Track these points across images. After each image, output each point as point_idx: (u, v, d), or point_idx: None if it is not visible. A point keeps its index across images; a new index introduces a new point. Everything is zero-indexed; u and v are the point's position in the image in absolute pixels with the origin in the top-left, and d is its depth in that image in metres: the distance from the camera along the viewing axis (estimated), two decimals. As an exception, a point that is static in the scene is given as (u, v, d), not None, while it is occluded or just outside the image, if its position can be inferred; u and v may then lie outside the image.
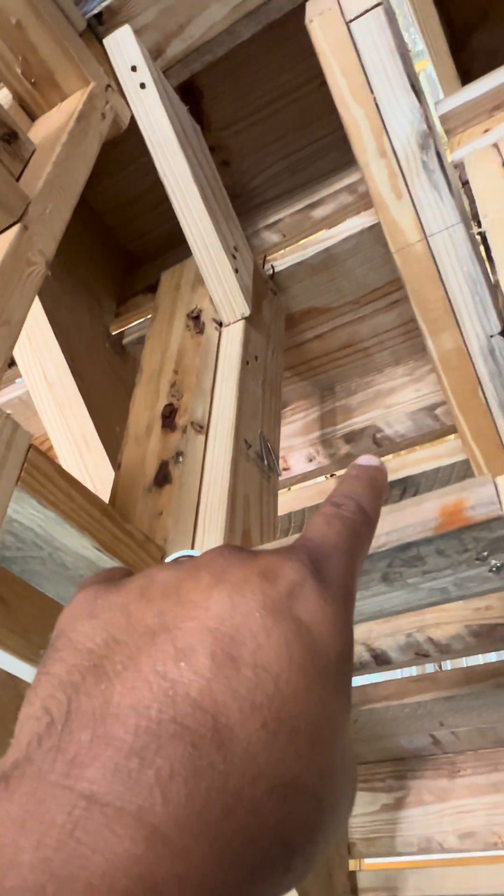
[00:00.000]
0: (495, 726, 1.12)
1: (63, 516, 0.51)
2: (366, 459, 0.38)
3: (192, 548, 0.64)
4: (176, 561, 0.31)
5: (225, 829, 0.19)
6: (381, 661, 1.13)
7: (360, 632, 1.16)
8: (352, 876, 1.17)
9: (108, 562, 0.55)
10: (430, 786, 1.19)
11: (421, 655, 1.10)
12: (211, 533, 0.65)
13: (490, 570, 0.55)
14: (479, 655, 1.26)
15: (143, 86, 0.80)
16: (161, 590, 0.27)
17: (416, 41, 1.17)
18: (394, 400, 1.05)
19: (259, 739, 0.21)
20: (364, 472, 0.36)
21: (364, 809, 1.23)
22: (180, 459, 0.69)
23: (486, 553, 0.54)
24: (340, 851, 1.17)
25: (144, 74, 0.80)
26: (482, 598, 1.07)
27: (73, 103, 0.75)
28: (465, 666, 1.07)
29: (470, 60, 1.17)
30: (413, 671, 1.49)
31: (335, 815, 0.23)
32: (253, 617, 0.25)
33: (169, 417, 0.73)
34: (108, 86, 0.80)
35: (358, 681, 1.23)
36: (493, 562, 0.54)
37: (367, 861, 1.22)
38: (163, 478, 0.68)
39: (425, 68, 1.24)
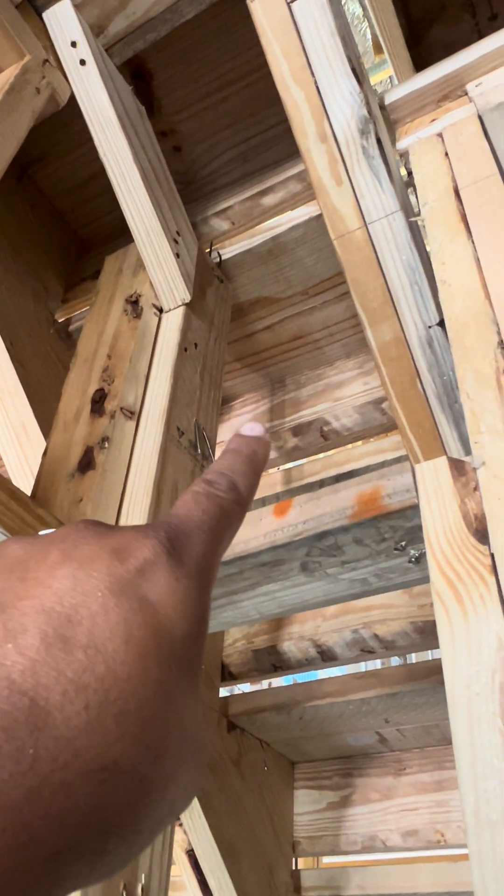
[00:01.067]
0: (440, 724, 1.12)
1: (-37, 498, 0.49)
2: (249, 428, 0.36)
3: (112, 535, 0.63)
4: (36, 535, 0.29)
5: (25, 813, 0.18)
6: (326, 657, 1.11)
7: (307, 627, 1.15)
8: (295, 875, 1.16)
9: (13, 546, 0.53)
10: (375, 783, 1.19)
11: (366, 651, 1.09)
12: (134, 520, 0.63)
13: (409, 561, 0.54)
14: (426, 652, 1.25)
15: (83, 62, 0.78)
16: (8, 565, 0.26)
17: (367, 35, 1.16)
18: (343, 393, 1.04)
19: (80, 722, 0.20)
20: (245, 445, 0.35)
21: (310, 808, 1.22)
22: (106, 445, 0.67)
23: (403, 543, 0.53)
24: (283, 850, 1.16)
25: (84, 51, 0.78)
26: (427, 594, 1.06)
27: (6, 76, 0.73)
28: (409, 662, 1.06)
29: (427, 54, 1.16)
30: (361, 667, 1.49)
31: (166, 797, 0.22)
32: (94, 595, 0.24)
33: (98, 402, 0.71)
34: (46, 61, 0.78)
35: (303, 677, 1.22)
36: (412, 552, 0.53)
37: (311, 859, 1.21)
38: (86, 464, 0.66)
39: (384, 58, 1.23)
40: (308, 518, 0.53)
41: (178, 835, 0.99)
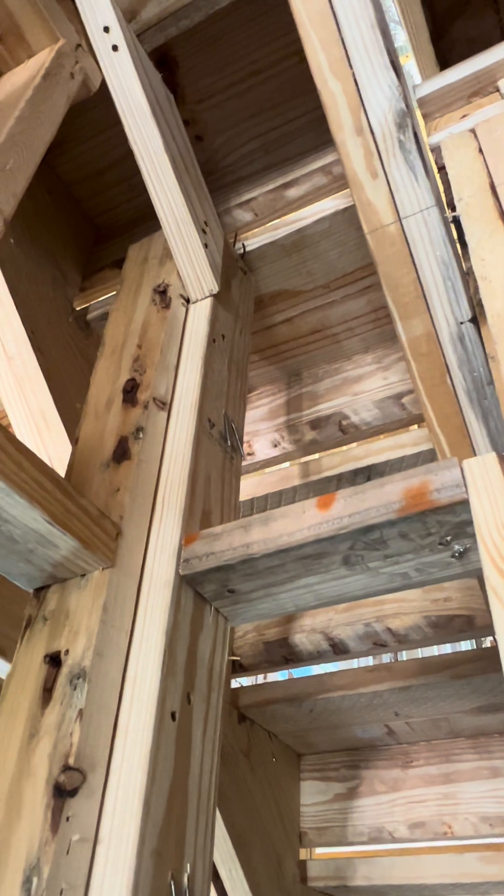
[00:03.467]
0: (449, 717, 1.12)
1: (12, 486, 0.48)
2: None
3: (150, 525, 0.62)
4: None
5: None
6: (338, 650, 1.12)
7: (319, 620, 1.15)
8: (302, 865, 1.16)
9: (59, 536, 0.52)
10: (382, 776, 1.19)
11: (379, 645, 1.10)
12: (169, 511, 0.63)
13: (452, 556, 0.54)
14: (435, 647, 1.26)
15: (115, 48, 0.77)
16: None
17: (397, 32, 1.16)
18: (361, 387, 1.04)
19: None
20: None
21: (316, 799, 1.23)
22: (141, 435, 0.67)
23: (449, 538, 0.53)
24: (291, 840, 1.17)
25: (117, 36, 0.77)
26: (442, 590, 1.07)
27: (41, 60, 0.72)
28: (421, 657, 1.07)
29: (449, 49, 1.16)
30: (370, 661, 1.50)
31: None
32: None
33: (130, 392, 0.71)
34: (79, 45, 0.77)
35: (315, 670, 1.22)
36: (456, 546, 0.53)
37: (318, 850, 1.22)
38: (122, 454, 0.65)
39: (406, 63, 1.22)
40: (354, 511, 0.53)
41: (190, 825, 1.00)
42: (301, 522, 0.55)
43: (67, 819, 0.45)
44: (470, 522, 0.51)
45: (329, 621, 1.12)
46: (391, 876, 1.12)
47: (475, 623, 1.01)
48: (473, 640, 1.04)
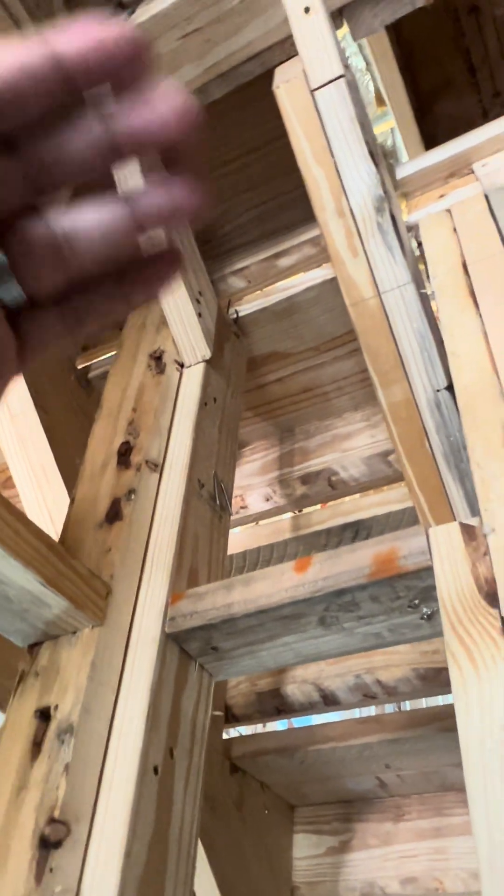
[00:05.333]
0: (440, 770, 1.13)
1: (9, 551, 0.52)
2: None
3: (139, 584, 0.66)
4: None
5: None
6: (329, 701, 1.14)
7: (311, 671, 1.17)
8: (294, 920, 1.16)
9: (50, 596, 0.56)
10: (374, 829, 1.20)
11: (369, 697, 1.12)
12: (158, 570, 0.67)
13: (421, 618, 0.58)
14: (423, 699, 1.28)
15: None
16: None
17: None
18: (350, 444, 1.08)
19: None
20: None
21: (309, 852, 1.23)
22: (132, 497, 0.71)
23: (417, 601, 0.56)
24: (280, 892, 1.16)
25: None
26: (430, 643, 1.09)
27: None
28: (410, 709, 1.08)
29: (434, 125, 1.23)
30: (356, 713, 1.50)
31: None
32: None
33: (124, 455, 0.75)
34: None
35: (305, 721, 1.24)
36: (425, 610, 0.57)
37: (310, 905, 1.21)
38: (114, 514, 0.69)
39: (392, 127, 1.30)
40: (327, 575, 0.57)
41: (181, 878, 1.00)
42: (279, 584, 0.59)
43: (51, 870, 0.48)
44: (435, 587, 0.54)
45: (320, 672, 1.14)
46: (383, 933, 1.12)
47: (462, 676, 1.04)
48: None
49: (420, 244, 0.87)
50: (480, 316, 0.70)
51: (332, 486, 1.07)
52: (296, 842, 1.25)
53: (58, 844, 0.49)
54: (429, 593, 0.56)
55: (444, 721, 1.05)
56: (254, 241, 1.08)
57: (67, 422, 1.03)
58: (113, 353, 1.10)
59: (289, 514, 1.12)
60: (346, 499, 1.08)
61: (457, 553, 0.53)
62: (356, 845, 1.20)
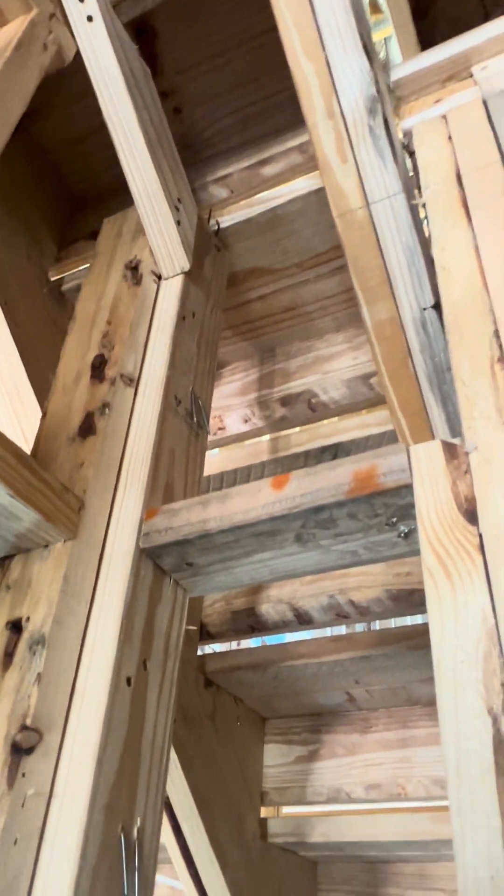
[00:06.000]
0: (407, 686, 1.17)
1: (-25, 460, 0.50)
2: None
3: (113, 499, 0.64)
4: None
5: None
6: (303, 620, 1.16)
7: (285, 591, 1.18)
8: (262, 823, 1.21)
9: (20, 508, 0.54)
10: (342, 740, 1.24)
11: (341, 616, 1.14)
12: (132, 486, 0.65)
13: (398, 536, 0.57)
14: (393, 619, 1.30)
15: (90, 18, 0.77)
16: None
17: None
18: (331, 366, 1.06)
19: None
20: None
21: (279, 761, 1.28)
22: (106, 411, 0.68)
23: (395, 519, 0.56)
24: (253, 799, 1.22)
25: (92, 6, 0.76)
26: (403, 564, 1.10)
27: (13, 30, 0.71)
28: (381, 628, 1.11)
29: (431, 28, 1.15)
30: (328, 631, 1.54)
31: None
32: None
33: (98, 368, 0.72)
34: (53, 15, 0.77)
35: (279, 639, 1.26)
36: (402, 528, 0.56)
37: (278, 809, 1.27)
38: (87, 428, 0.67)
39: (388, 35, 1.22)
40: (305, 492, 0.56)
41: (155, 783, 1.04)
42: (256, 501, 0.58)
43: (23, 775, 0.48)
44: (414, 505, 0.54)
45: (295, 592, 1.16)
46: (347, 833, 1.18)
47: (433, 597, 1.05)
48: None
49: (412, 154, 0.82)
50: (473, 229, 0.67)
51: (311, 409, 1.05)
52: (266, 751, 1.30)
53: (30, 751, 0.49)
54: (407, 511, 0.55)
55: (413, 640, 1.08)
56: (237, 147, 1.02)
57: (40, 336, 0.99)
58: (87, 265, 1.05)
59: (267, 436, 1.10)
60: (326, 421, 1.07)
61: (437, 471, 0.52)
62: (324, 754, 1.25)
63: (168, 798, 1.07)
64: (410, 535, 0.57)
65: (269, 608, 1.17)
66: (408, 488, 0.53)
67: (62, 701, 0.52)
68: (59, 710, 0.52)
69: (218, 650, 1.39)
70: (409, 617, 1.10)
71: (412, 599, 1.07)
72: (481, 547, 0.47)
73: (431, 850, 1.20)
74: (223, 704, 1.20)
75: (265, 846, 1.19)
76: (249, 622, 1.18)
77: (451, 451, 0.53)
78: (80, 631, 0.56)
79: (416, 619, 1.19)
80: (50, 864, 0.46)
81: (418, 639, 1.07)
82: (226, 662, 1.17)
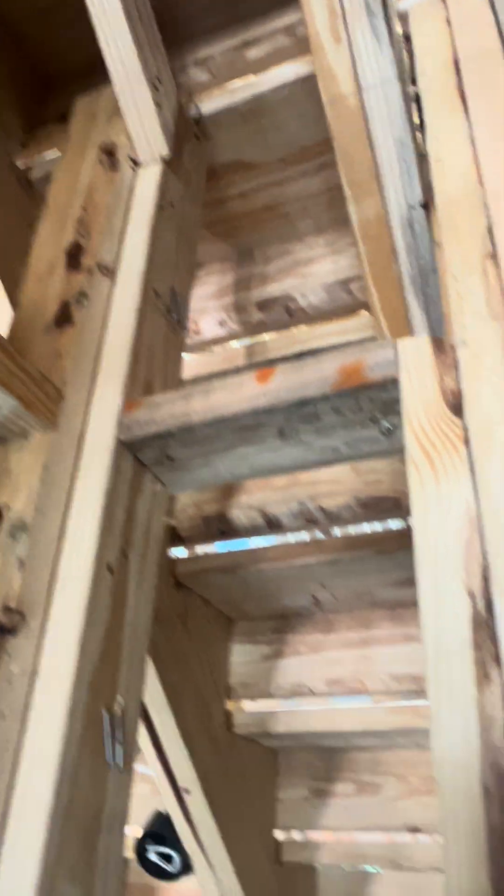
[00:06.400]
0: (372, 590, 1.22)
1: (-50, 341, 0.48)
2: None
3: (92, 391, 0.63)
4: None
5: None
6: (273, 525, 1.18)
7: (256, 497, 1.20)
8: (228, 715, 1.27)
9: (0, 395, 0.53)
10: (306, 640, 1.30)
11: (311, 522, 1.16)
12: (111, 378, 0.64)
13: (381, 433, 0.57)
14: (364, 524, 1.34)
15: None
16: None
17: None
18: (311, 270, 1.03)
19: None
20: None
21: (245, 659, 1.33)
22: (83, 302, 0.66)
23: (379, 414, 0.56)
24: (220, 694, 1.27)
25: None
26: (374, 472, 1.12)
27: None
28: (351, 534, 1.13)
29: None
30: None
31: None
32: None
33: (74, 256, 0.69)
34: None
35: (249, 543, 1.29)
36: (385, 424, 0.56)
37: (244, 703, 1.33)
38: (64, 319, 0.65)
39: None
40: (290, 386, 0.55)
41: (126, 677, 1.07)
42: (240, 394, 0.57)
43: (8, 655, 0.49)
44: (399, 401, 0.54)
45: (266, 499, 1.17)
46: (309, 724, 1.24)
47: (402, 504, 1.08)
48: (401, 522, 1.11)
49: (407, 38, 0.78)
50: (469, 120, 0.64)
51: (289, 314, 1.03)
52: (233, 651, 1.35)
53: (13, 631, 0.49)
54: (391, 407, 0.55)
55: (380, 545, 1.11)
56: (220, 26, 0.95)
57: (7, 226, 0.94)
58: (57, 151, 0.99)
59: (243, 341, 1.09)
60: (304, 326, 1.05)
61: (425, 365, 0.51)
62: (288, 653, 1.30)
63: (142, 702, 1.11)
64: (392, 432, 0.58)
65: (239, 514, 1.18)
66: (394, 383, 0.53)
67: (44, 586, 0.52)
68: (42, 593, 0.52)
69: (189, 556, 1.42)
70: (378, 523, 1.13)
71: (381, 506, 1.09)
72: (466, 439, 0.47)
73: (386, 740, 1.28)
74: (193, 606, 1.23)
75: (230, 737, 1.25)
76: (220, 527, 1.19)
77: (438, 346, 0.52)
78: (60, 519, 0.56)
79: (387, 526, 1.22)
80: (36, 735, 0.47)
81: (385, 544, 1.10)
82: (197, 565, 1.20)
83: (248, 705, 1.32)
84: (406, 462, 0.49)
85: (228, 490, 1.21)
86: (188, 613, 1.21)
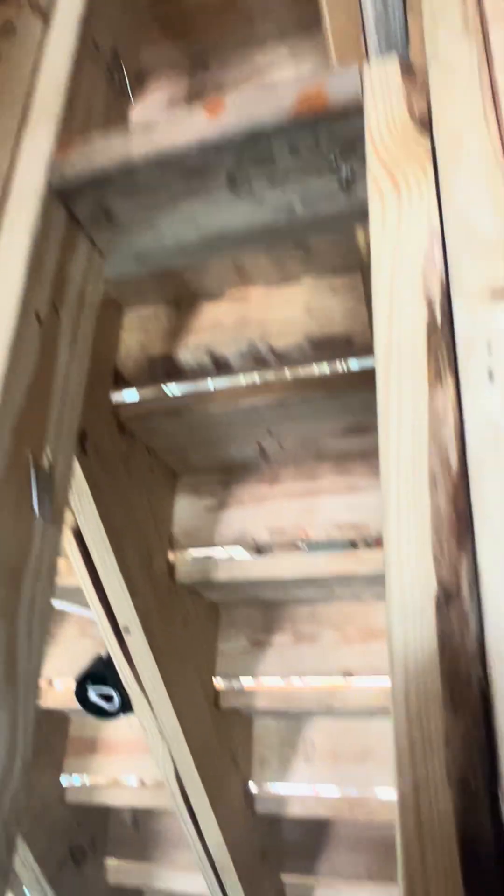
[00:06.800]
0: (319, 440, 1.20)
1: None
2: None
3: (20, 132, 0.56)
4: None
5: None
6: (220, 366, 1.14)
7: (204, 337, 1.15)
8: (171, 565, 1.27)
9: None
10: (250, 491, 1.29)
11: (260, 363, 1.13)
12: (43, 120, 0.57)
13: (339, 186, 0.53)
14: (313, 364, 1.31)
15: None
16: None
17: None
18: (271, 78, 0.95)
19: None
20: None
21: (188, 510, 1.32)
22: (11, 38, 0.58)
23: (338, 158, 0.51)
24: (163, 541, 1.26)
25: None
26: (326, 310, 1.08)
27: None
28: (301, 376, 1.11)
29: None
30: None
31: None
32: None
33: (1, -12, 0.60)
34: None
35: (196, 386, 1.25)
36: (345, 170, 0.51)
37: (187, 552, 1.33)
38: (-12, 50, 0.57)
39: None
40: (244, 116, 0.49)
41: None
42: (187, 128, 0.51)
43: None
44: (361, 138, 0.49)
45: (214, 338, 1.13)
46: (250, 573, 1.24)
47: (354, 344, 1.05)
48: (353, 363, 1.09)
49: None
50: None
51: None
52: (177, 503, 1.34)
53: None
54: (352, 147, 0.50)
55: (330, 387, 1.09)
56: None
57: None
58: None
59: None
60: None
61: (392, 85, 0.46)
62: (232, 504, 1.29)
63: (80, 530, 1.09)
64: (352, 184, 0.53)
65: (186, 354, 1.14)
66: (358, 112, 0.48)
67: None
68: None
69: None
70: (328, 365, 1.10)
71: (333, 345, 1.06)
72: (434, 158, 0.43)
73: (325, 590, 1.30)
74: (137, 452, 1.20)
75: (173, 585, 1.25)
76: (166, 368, 1.15)
77: (407, 68, 0.47)
78: (-18, 258, 0.50)
79: (336, 369, 1.19)
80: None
81: (335, 386, 1.08)
82: (141, 408, 1.16)
83: (191, 553, 1.32)
84: (368, 184, 0.44)
85: (175, 330, 1.16)
86: (132, 458, 1.17)
